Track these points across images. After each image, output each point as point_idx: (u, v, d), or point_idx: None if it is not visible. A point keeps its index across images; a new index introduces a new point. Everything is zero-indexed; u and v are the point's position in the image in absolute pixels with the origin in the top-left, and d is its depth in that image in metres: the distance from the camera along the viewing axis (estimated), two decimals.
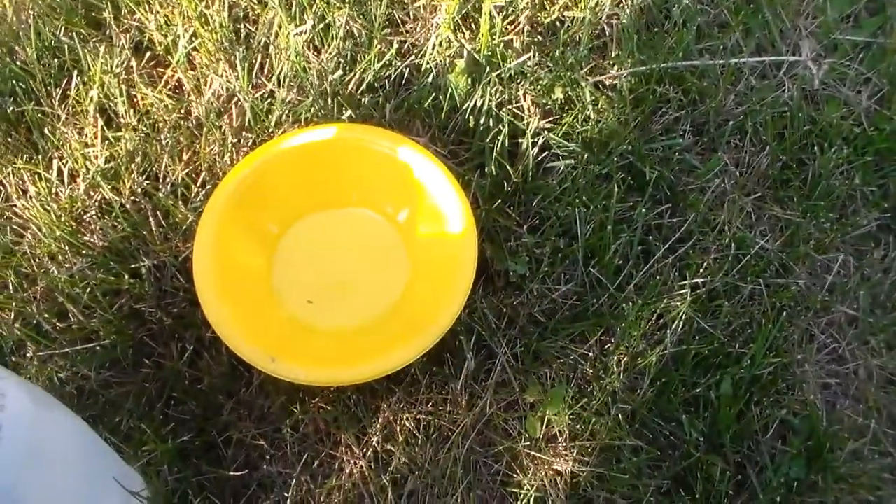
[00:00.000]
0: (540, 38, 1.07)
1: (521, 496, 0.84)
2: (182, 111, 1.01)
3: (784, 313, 0.92)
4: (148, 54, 1.05)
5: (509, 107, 1.01)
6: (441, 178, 0.91)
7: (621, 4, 1.09)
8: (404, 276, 0.92)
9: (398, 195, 0.94)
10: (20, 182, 0.96)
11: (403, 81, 1.04)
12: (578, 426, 0.87)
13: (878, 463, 0.88)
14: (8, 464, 0.54)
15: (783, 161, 1.01)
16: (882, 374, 0.94)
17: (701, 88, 1.04)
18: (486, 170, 0.96)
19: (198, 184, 0.96)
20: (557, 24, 1.08)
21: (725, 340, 0.91)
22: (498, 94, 1.01)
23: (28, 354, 0.87)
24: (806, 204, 0.99)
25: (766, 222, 0.99)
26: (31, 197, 0.94)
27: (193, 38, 1.04)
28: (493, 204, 0.94)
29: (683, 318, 0.90)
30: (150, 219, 0.93)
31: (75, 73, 1.01)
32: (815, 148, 1.02)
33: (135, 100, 1.02)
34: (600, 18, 1.08)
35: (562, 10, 1.09)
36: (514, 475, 0.86)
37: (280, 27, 1.04)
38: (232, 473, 0.84)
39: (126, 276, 0.91)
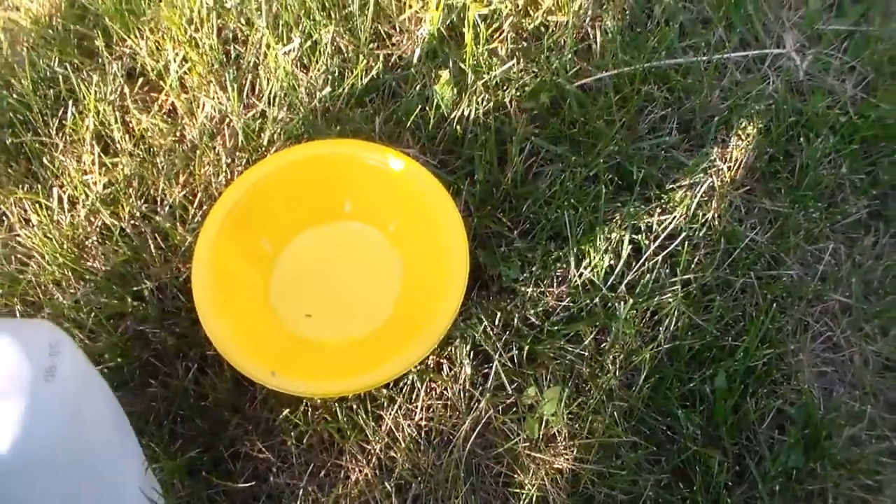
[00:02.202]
0: (524, 44, 1.09)
1: (523, 496, 0.85)
2: (176, 134, 1.04)
3: (775, 304, 0.93)
4: (141, 80, 1.07)
5: (496, 114, 1.02)
6: (430, 187, 0.92)
7: (604, 6, 1.11)
8: (399, 286, 0.94)
9: (390, 207, 0.96)
10: (22, 212, 0.98)
11: (391, 94, 1.05)
12: (577, 425, 0.88)
13: (876, 447, 0.89)
14: (63, 396, 0.57)
15: (770, 153, 1.02)
16: (878, 359, 0.95)
17: (686, 86, 1.06)
18: (475, 177, 0.98)
19: (195, 205, 0.98)
20: (542, 29, 1.10)
21: (718, 334, 0.92)
22: (484, 102, 1.02)
23: None
24: (794, 194, 1.00)
25: (756, 215, 1.00)
26: (33, 226, 0.96)
27: (184, 62, 1.06)
28: (483, 211, 0.96)
29: (676, 314, 0.92)
30: (150, 241, 0.96)
31: (71, 102, 1.04)
32: (802, 139, 1.03)
33: (130, 125, 1.04)
34: (584, 21, 1.10)
35: (545, 15, 1.10)
36: (516, 475, 0.87)
37: (268, 47, 1.06)
38: (240, 485, 0.86)
39: (129, 299, 0.93)
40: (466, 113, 1.01)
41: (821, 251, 0.99)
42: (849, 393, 0.93)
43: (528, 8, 1.11)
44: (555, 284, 0.95)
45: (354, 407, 0.88)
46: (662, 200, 0.99)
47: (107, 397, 0.69)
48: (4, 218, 0.99)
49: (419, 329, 0.86)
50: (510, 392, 0.89)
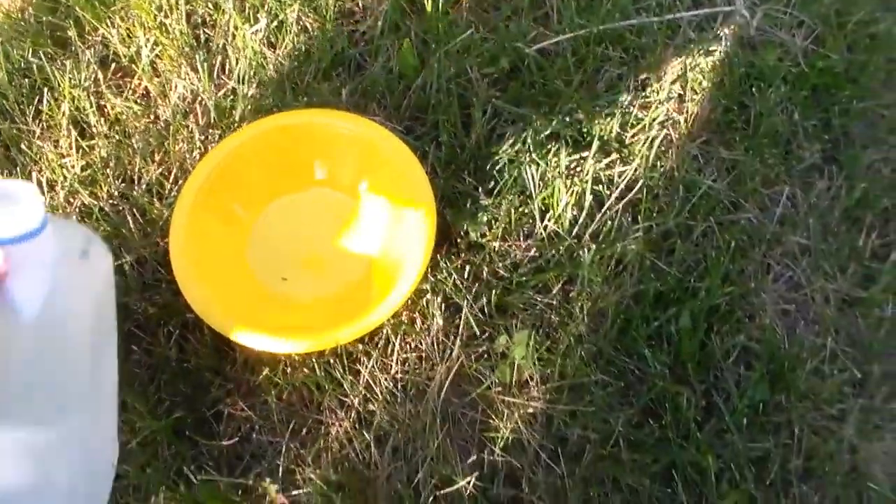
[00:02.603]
0: (484, 13, 1.12)
1: (499, 439, 0.88)
2: (150, 115, 1.07)
3: (734, 244, 0.96)
4: (113, 66, 1.10)
5: (458, 80, 1.06)
6: (397, 151, 0.95)
7: None
8: (371, 246, 0.97)
9: (358, 171, 0.99)
10: None
11: (357, 67, 1.09)
12: (548, 370, 0.91)
13: (839, 378, 0.92)
14: (93, 275, 0.64)
15: (725, 105, 1.06)
16: (838, 296, 0.98)
17: (640, 45, 1.09)
18: (440, 140, 1.01)
19: (170, 180, 1.01)
20: None
21: (681, 276, 0.95)
22: (447, 70, 1.06)
23: None
24: (750, 142, 1.04)
25: (714, 164, 1.03)
26: None
27: (155, 47, 1.10)
28: (450, 172, 0.99)
29: (639, 259, 0.95)
30: (129, 218, 0.98)
31: (46, 90, 1.07)
32: (755, 90, 1.06)
33: (105, 110, 1.07)
34: None
35: None
36: (491, 420, 0.90)
37: (236, 28, 1.09)
38: (225, 444, 0.89)
39: None
40: (430, 80, 1.04)
41: (778, 195, 1.02)
42: (811, 329, 0.96)
43: None
44: (521, 238, 0.98)
45: (332, 362, 0.91)
46: (623, 154, 1.02)
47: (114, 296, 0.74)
48: None
49: (390, 285, 0.89)
50: (481, 340, 0.92)
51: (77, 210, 1.00)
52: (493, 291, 0.94)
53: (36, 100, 1.07)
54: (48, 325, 0.60)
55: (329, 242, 0.98)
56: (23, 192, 0.56)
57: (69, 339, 0.62)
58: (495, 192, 0.99)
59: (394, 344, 0.92)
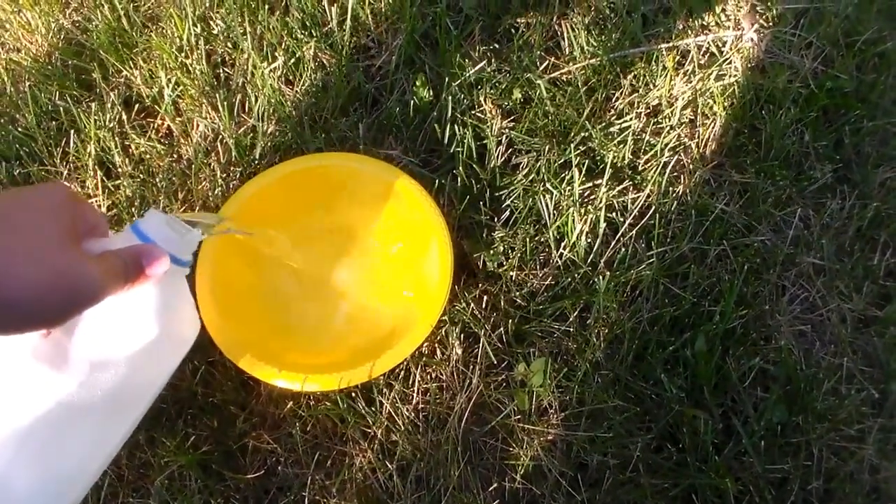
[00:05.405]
0: (496, 45, 1.14)
1: (519, 466, 0.90)
2: (174, 155, 1.10)
3: (746, 266, 0.97)
4: (137, 106, 1.13)
5: (473, 112, 1.08)
6: (414, 192, 0.97)
7: (570, 4, 1.16)
8: (391, 283, 0.99)
9: (374, 211, 1.01)
10: None
11: (373, 102, 1.11)
12: (567, 397, 0.92)
13: (857, 398, 0.93)
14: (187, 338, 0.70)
15: (736, 128, 1.07)
16: (853, 315, 0.99)
17: (650, 72, 1.11)
18: (456, 173, 1.03)
19: None
20: (511, 30, 1.15)
21: (696, 301, 0.96)
22: (461, 103, 1.08)
23: None
24: (761, 165, 1.05)
25: (726, 188, 1.05)
26: None
27: (177, 87, 1.13)
28: (466, 203, 1.01)
29: (654, 284, 0.96)
30: None
31: (72, 132, 1.10)
32: (765, 113, 1.08)
33: (129, 150, 1.10)
34: (551, 20, 1.15)
35: (514, 17, 1.16)
36: (511, 448, 0.91)
37: (254, 67, 1.12)
38: (250, 477, 0.91)
39: None
40: (444, 113, 1.06)
41: (791, 216, 1.03)
42: (828, 349, 0.97)
43: (498, 11, 1.16)
44: (538, 267, 0.99)
45: (354, 394, 0.93)
46: (635, 181, 1.04)
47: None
48: None
49: (411, 321, 0.91)
50: (500, 369, 0.94)
51: None
52: (511, 320, 0.95)
53: (63, 142, 1.10)
54: (148, 351, 0.64)
55: (349, 281, 1.00)
56: (192, 233, 0.64)
57: (151, 368, 0.67)
58: (511, 221, 1.01)
59: (415, 375, 0.94)
